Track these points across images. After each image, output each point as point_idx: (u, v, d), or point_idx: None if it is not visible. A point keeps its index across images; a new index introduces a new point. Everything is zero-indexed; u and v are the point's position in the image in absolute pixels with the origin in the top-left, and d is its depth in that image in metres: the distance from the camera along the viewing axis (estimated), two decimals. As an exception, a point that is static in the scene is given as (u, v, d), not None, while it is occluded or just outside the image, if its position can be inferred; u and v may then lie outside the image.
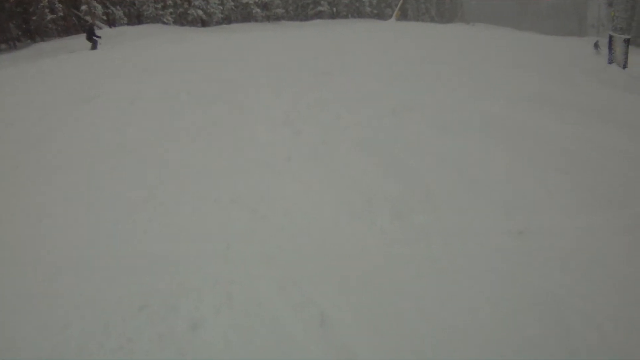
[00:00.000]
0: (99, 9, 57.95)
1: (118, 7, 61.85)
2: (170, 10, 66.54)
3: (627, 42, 31.16)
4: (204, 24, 70.94)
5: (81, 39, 46.86)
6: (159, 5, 65.06)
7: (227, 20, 74.28)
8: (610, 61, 32.90)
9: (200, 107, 17.30)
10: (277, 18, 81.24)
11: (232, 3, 74.86)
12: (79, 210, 10.05)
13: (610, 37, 34.12)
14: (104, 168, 12.13)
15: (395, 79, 21.85)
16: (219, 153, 12.86)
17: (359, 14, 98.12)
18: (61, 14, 55.98)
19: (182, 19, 68.56)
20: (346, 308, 6.70)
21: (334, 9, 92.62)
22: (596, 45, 61.01)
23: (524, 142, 13.06)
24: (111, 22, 60.00)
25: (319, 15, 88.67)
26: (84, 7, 56.47)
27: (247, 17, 78.09)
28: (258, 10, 77.98)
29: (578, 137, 13.57)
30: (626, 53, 30.75)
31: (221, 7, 72.58)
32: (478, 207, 9.65)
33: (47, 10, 54.89)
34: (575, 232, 8.63)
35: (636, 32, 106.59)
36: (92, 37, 42.72)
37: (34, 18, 54.72)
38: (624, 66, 30.37)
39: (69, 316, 6.68)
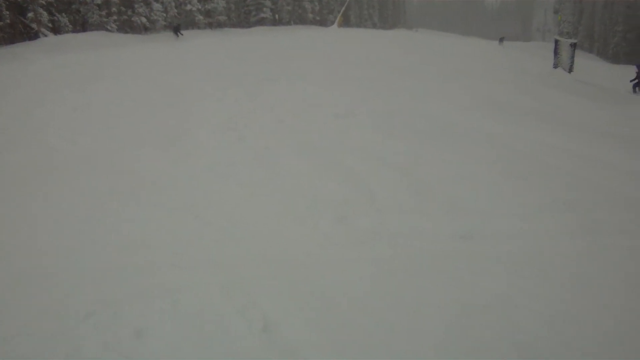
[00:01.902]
0: (45, 16, 57.33)
1: (64, 15, 61.27)
2: (114, 17, 66.15)
3: (573, 46, 31.63)
4: (147, 31, 70.63)
5: (28, 46, 46.82)
6: (104, 13, 64.66)
7: (170, 27, 73.97)
8: (556, 65, 33.38)
9: (145, 114, 17.27)
10: (220, 25, 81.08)
11: (175, 10, 74.64)
12: (27, 221, 9.97)
13: (556, 42, 34.56)
14: (52, 178, 12.03)
15: (339, 84, 22.02)
16: (164, 160, 12.89)
17: (301, 20, 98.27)
18: (8, 21, 55.17)
19: (125, 26, 68.21)
20: (291, 311, 6.73)
21: (277, 16, 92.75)
22: (501, 40, 76.26)
23: (471, 145, 13.22)
24: (56, 30, 59.38)
25: (262, 22, 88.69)
26: (30, 15, 55.79)
27: (190, 24, 77.89)
28: (201, 17, 77.82)
29: (526, 140, 13.76)
30: (572, 57, 31.22)
31: (164, 15, 72.34)
32: (423, 210, 9.73)
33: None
34: (524, 235, 8.72)
35: (583, 36, 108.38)
36: (177, 32, 61.23)
37: (-19, 26, 53.90)
38: (570, 70, 30.82)
39: (16, 325, 6.60)
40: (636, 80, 30.57)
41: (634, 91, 30.51)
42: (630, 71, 33.57)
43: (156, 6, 70.30)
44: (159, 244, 8.72)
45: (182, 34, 59.94)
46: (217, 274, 7.65)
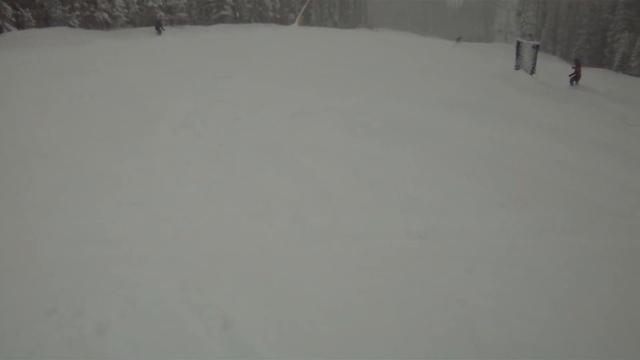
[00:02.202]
0: (10, 10, 56.60)
1: (27, 9, 60.56)
2: (77, 13, 65.47)
3: (536, 48, 31.96)
4: (109, 27, 70.11)
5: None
6: (66, 8, 63.97)
7: (131, 23, 73.47)
8: (517, 67, 33.58)
9: (103, 110, 17.09)
10: (181, 22, 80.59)
11: (137, 7, 74.13)
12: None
13: (518, 43, 34.75)
14: (8, 172, 11.85)
15: (298, 82, 21.96)
16: (121, 156, 12.85)
17: (262, 18, 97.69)
18: (-26, 15, 54.34)
19: (88, 22, 67.63)
20: (247, 309, 6.86)
21: (237, 14, 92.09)
22: (458, 40, 77.74)
23: (429, 144, 13.38)
24: (20, 25, 58.67)
25: (222, 19, 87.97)
26: (-4, 9, 55.06)
27: (151, 20, 77.31)
28: (162, 14, 77.24)
29: (489, 140, 13.94)
30: (535, 59, 31.51)
31: (126, 11, 71.74)
32: (378, 208, 9.88)
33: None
34: (483, 234, 8.93)
35: (546, 38, 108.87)
36: (159, 28, 61.36)
37: (-52, 21, 53.03)
38: (532, 72, 31.14)
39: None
40: (574, 75, 31.85)
41: (571, 84, 31.67)
42: (592, 73, 34.22)
43: (118, 2, 69.78)
44: (115, 239, 8.76)
45: (164, 29, 61.42)
46: (173, 270, 7.76)
